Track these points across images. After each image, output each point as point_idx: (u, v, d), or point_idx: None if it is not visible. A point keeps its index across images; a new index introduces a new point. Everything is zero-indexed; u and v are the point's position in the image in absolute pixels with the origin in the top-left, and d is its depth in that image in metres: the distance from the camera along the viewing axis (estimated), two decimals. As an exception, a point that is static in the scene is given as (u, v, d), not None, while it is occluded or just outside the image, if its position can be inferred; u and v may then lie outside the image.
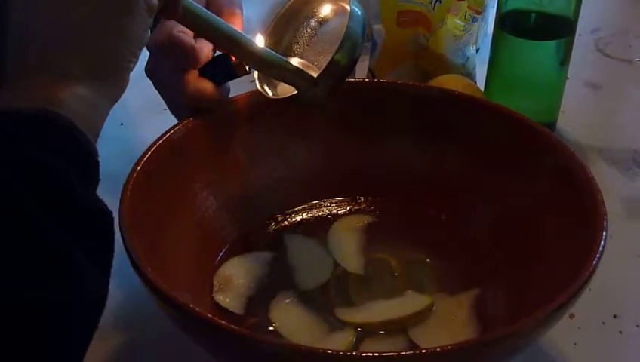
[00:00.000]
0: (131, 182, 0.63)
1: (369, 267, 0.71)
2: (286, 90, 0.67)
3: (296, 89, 0.65)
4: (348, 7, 0.64)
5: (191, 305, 0.53)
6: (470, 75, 0.98)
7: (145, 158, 0.65)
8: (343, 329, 0.64)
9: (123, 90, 0.54)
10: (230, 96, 0.73)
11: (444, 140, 0.75)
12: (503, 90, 0.92)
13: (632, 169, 0.91)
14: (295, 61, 0.67)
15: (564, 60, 0.90)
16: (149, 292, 0.55)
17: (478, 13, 0.97)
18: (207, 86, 0.68)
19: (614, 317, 0.71)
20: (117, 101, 0.54)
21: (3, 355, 0.41)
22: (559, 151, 0.68)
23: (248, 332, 0.52)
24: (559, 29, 0.88)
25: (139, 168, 0.64)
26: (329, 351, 0.50)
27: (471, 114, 0.74)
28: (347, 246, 0.73)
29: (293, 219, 0.76)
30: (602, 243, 0.58)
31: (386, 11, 0.97)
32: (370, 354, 0.50)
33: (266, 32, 0.69)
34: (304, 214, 0.77)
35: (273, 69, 0.65)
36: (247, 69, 0.68)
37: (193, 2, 0.60)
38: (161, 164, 0.66)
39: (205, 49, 0.68)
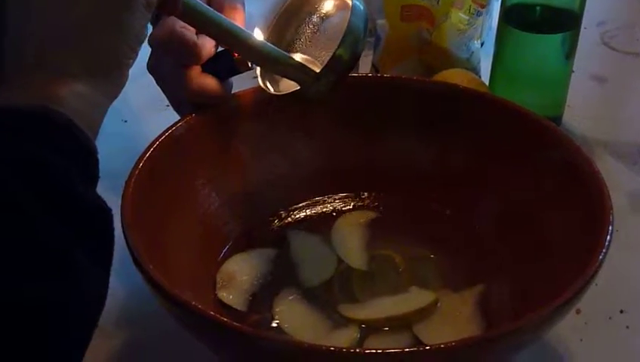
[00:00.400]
0: (133, 179, 0.62)
1: (373, 263, 0.71)
2: (288, 85, 0.67)
3: (299, 84, 0.65)
4: (350, 2, 0.64)
5: (193, 303, 0.52)
6: (475, 69, 0.98)
7: (147, 155, 0.65)
8: (346, 326, 0.64)
9: (122, 87, 0.54)
10: (233, 92, 0.73)
11: (449, 135, 0.75)
12: (507, 84, 0.91)
13: (638, 163, 0.90)
14: (297, 57, 0.67)
15: (569, 54, 0.89)
16: (151, 290, 0.55)
17: (483, 6, 0.96)
18: (209, 82, 0.68)
19: (621, 312, 0.71)
20: (116, 98, 0.54)
21: (1, 354, 0.40)
22: (565, 146, 0.67)
23: (251, 329, 0.52)
24: (564, 22, 0.88)
25: (141, 165, 0.64)
26: (332, 348, 0.50)
27: (476, 108, 0.74)
28: (351, 242, 0.73)
29: (297, 216, 0.76)
30: (608, 237, 0.57)
31: (390, 6, 0.96)
32: (375, 351, 0.50)
33: (268, 27, 0.69)
34: (307, 210, 0.77)
35: (275, 64, 0.65)
36: (249, 64, 0.68)
37: None
38: (163, 160, 0.66)
39: (207, 45, 0.67)
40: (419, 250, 0.72)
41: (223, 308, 0.66)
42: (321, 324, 0.65)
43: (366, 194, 0.78)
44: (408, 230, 0.74)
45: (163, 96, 0.73)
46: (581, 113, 0.98)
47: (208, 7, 0.62)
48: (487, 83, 0.94)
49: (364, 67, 1.01)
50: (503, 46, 0.91)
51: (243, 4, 0.70)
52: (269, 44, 0.65)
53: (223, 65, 0.68)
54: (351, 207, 0.77)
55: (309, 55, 0.67)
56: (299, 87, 0.65)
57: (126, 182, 0.62)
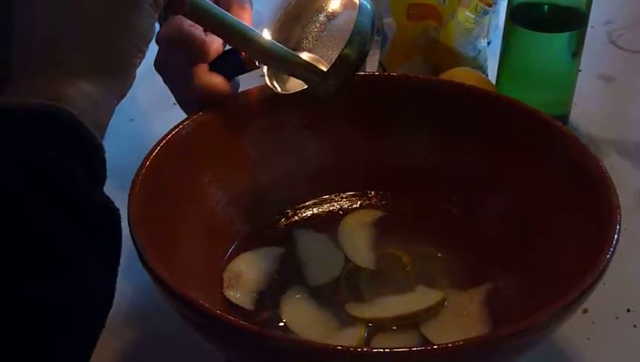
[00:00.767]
0: (140, 178, 0.62)
1: (380, 262, 0.71)
2: (295, 85, 0.67)
3: (306, 83, 0.65)
4: (357, 1, 0.64)
5: (201, 302, 0.52)
6: (481, 68, 0.98)
7: (154, 154, 0.65)
8: (353, 325, 0.64)
9: (130, 86, 0.54)
10: (240, 90, 0.73)
11: (456, 134, 0.75)
12: (514, 83, 0.91)
13: (645, 162, 0.90)
14: (305, 55, 0.66)
15: (576, 52, 0.89)
16: (158, 289, 0.55)
17: (489, 5, 0.96)
18: (217, 80, 0.68)
19: (628, 311, 0.71)
20: (124, 97, 0.54)
21: (4, 354, 0.40)
22: (572, 145, 0.67)
23: (259, 328, 0.52)
24: (571, 20, 0.88)
25: (148, 163, 0.64)
26: (340, 347, 0.49)
27: (483, 107, 0.74)
28: (358, 241, 0.73)
29: (304, 214, 0.76)
30: (616, 236, 0.57)
31: (397, 4, 0.96)
32: (382, 350, 0.50)
33: (275, 26, 0.68)
34: (314, 209, 0.77)
35: (283, 63, 0.65)
36: (256, 63, 0.68)
37: None
38: (170, 159, 0.66)
39: (215, 43, 0.67)
40: (426, 248, 0.72)
41: (229, 306, 0.66)
42: (328, 323, 0.65)
43: (373, 192, 0.78)
44: (415, 229, 0.74)
45: (169, 94, 0.73)
46: (588, 112, 0.98)
47: (216, 5, 0.62)
48: (493, 81, 0.93)
49: (371, 66, 1.01)
50: (510, 45, 0.91)
51: (251, 3, 0.70)
52: (276, 42, 0.65)
53: (231, 64, 0.68)
54: (358, 205, 0.77)
55: (316, 54, 0.67)
56: (306, 87, 0.65)
57: (133, 181, 0.62)
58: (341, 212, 0.76)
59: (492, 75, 0.96)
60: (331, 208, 0.77)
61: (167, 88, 0.73)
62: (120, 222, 0.49)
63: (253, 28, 0.64)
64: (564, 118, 0.93)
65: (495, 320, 0.64)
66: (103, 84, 0.51)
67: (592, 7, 0.88)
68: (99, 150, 0.49)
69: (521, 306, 0.64)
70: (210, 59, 0.68)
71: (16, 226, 0.42)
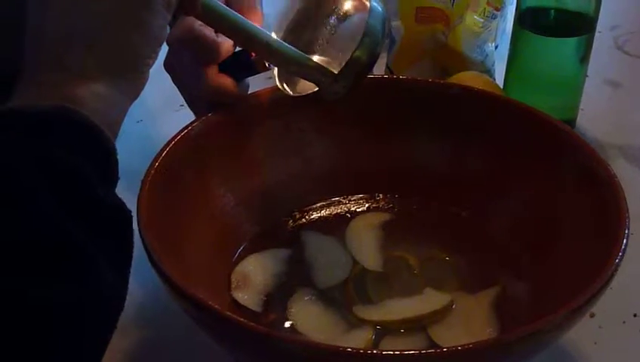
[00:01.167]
0: (149, 179, 0.62)
1: (388, 265, 0.71)
2: (305, 87, 0.67)
3: (317, 85, 0.65)
4: (368, 4, 0.64)
5: (210, 303, 0.52)
6: (489, 72, 0.98)
7: (163, 155, 0.65)
8: (361, 328, 0.64)
9: (142, 87, 0.54)
10: (249, 92, 0.73)
11: (464, 137, 0.75)
12: (522, 88, 0.91)
13: (653, 167, 0.90)
14: (315, 58, 0.66)
15: (584, 57, 0.89)
16: (168, 290, 0.55)
17: (497, 9, 0.97)
18: (227, 81, 0.68)
19: (635, 315, 0.71)
20: (136, 98, 0.54)
21: (17, 354, 0.40)
22: (581, 149, 0.67)
23: (269, 330, 0.52)
24: (579, 25, 0.88)
25: (157, 165, 0.64)
26: (350, 349, 0.49)
27: (492, 111, 0.74)
28: (366, 243, 0.73)
29: (311, 217, 0.76)
30: (625, 241, 0.57)
31: (405, 7, 0.96)
32: (392, 353, 0.50)
33: (285, 28, 0.68)
34: (322, 211, 0.77)
35: (293, 65, 0.65)
36: (267, 65, 0.68)
37: None
38: (179, 160, 0.66)
39: (226, 44, 0.67)
40: (434, 251, 0.72)
41: (237, 308, 0.66)
42: (335, 325, 0.65)
43: (381, 195, 0.78)
44: (423, 232, 0.74)
45: (177, 96, 0.73)
46: (594, 117, 0.98)
47: (227, 7, 0.62)
48: (501, 86, 0.93)
49: (379, 69, 1.01)
50: (518, 49, 0.91)
51: (261, 5, 0.70)
52: (287, 44, 0.65)
53: (241, 65, 0.68)
54: (365, 208, 0.77)
55: (326, 56, 0.67)
56: (316, 89, 0.65)
57: (142, 182, 0.62)
58: (349, 214, 0.76)
59: (499, 80, 0.96)
60: (339, 210, 0.77)
61: (175, 90, 0.73)
62: (132, 223, 0.49)
63: (264, 30, 0.64)
64: (571, 123, 0.93)
65: (503, 324, 0.64)
66: (115, 85, 0.51)
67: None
68: (112, 152, 0.49)
69: (529, 310, 0.64)
70: (221, 59, 0.68)
71: (30, 227, 0.42)
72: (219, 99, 0.69)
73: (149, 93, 0.56)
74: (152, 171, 0.63)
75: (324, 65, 0.65)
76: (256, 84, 0.73)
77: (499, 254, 0.70)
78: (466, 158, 0.75)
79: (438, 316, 0.65)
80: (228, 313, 0.53)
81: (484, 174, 0.74)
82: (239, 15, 0.63)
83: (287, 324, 0.65)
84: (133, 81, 0.52)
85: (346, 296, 0.68)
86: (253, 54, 0.67)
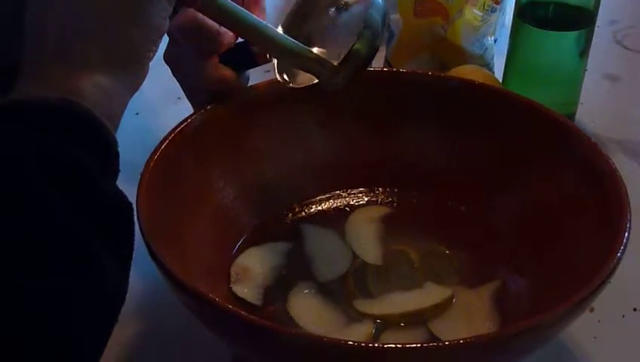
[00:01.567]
0: (149, 171, 0.62)
1: (388, 258, 0.70)
2: (305, 79, 0.66)
3: (317, 77, 0.64)
4: None
5: (210, 296, 0.52)
6: (488, 66, 0.98)
7: (162, 147, 0.65)
8: (361, 321, 0.64)
9: (143, 80, 0.53)
10: (249, 84, 0.72)
11: (465, 131, 0.75)
12: (521, 81, 0.91)
13: (652, 162, 0.90)
14: (315, 50, 0.66)
15: (583, 51, 0.89)
16: (167, 283, 0.55)
17: (497, 3, 0.96)
18: (227, 73, 0.68)
19: (634, 310, 0.71)
20: (137, 90, 0.54)
21: (24, 347, 0.40)
22: (582, 143, 0.67)
23: (270, 323, 0.52)
24: (579, 19, 0.87)
25: (156, 157, 0.64)
26: (351, 343, 0.49)
27: (493, 105, 0.73)
28: (365, 237, 0.72)
29: (311, 210, 0.76)
30: (626, 235, 0.57)
31: (404, 1, 0.96)
32: (393, 346, 0.49)
33: (286, 20, 0.68)
34: (322, 205, 0.76)
35: (293, 57, 0.64)
36: (267, 57, 0.67)
37: None
38: (178, 152, 0.66)
39: (228, 34, 0.67)
40: (434, 245, 0.71)
41: (236, 301, 0.66)
42: (336, 319, 0.64)
43: (380, 189, 0.78)
44: (423, 226, 0.74)
45: (175, 88, 0.73)
46: (593, 111, 0.98)
47: None
48: (500, 79, 0.93)
49: (377, 62, 1.00)
50: (518, 43, 0.90)
51: (262, -3, 0.70)
52: (287, 36, 0.64)
53: (242, 57, 0.68)
54: (365, 201, 0.77)
55: (326, 48, 0.66)
56: (316, 81, 0.65)
57: (141, 175, 0.62)
58: (348, 208, 0.76)
59: (498, 74, 0.96)
60: (339, 204, 0.77)
61: (173, 82, 0.73)
62: (133, 216, 0.49)
63: (264, 21, 0.64)
64: (571, 117, 0.93)
65: (503, 318, 0.64)
66: (116, 77, 0.50)
67: (598, 6, 0.88)
68: (112, 144, 0.49)
69: (530, 304, 0.64)
70: (223, 50, 0.67)
71: (35, 222, 0.42)
72: (219, 90, 0.69)
73: (147, 85, 0.56)
74: (152, 163, 0.63)
75: (324, 57, 0.64)
76: (255, 76, 0.73)
77: (499, 248, 0.70)
78: (466, 152, 0.75)
79: (438, 310, 0.65)
80: (228, 306, 0.52)
81: (484, 168, 0.74)
82: (240, 7, 0.62)
83: (287, 318, 0.64)
84: (134, 73, 0.52)
85: (346, 290, 0.67)
86: (254, 46, 0.67)
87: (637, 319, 0.70)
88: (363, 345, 0.51)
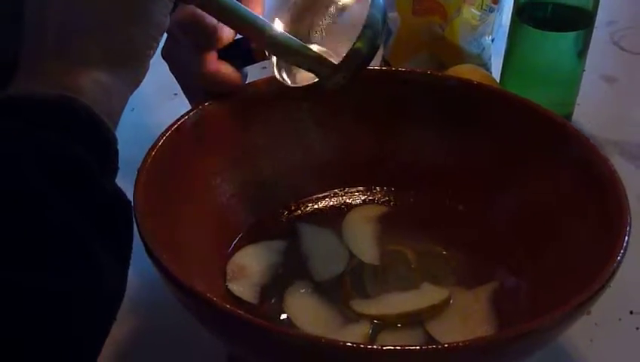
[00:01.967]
0: (146, 168, 0.62)
1: (385, 258, 0.70)
2: (305, 77, 0.66)
3: (317, 76, 0.64)
4: None
5: (207, 294, 0.52)
6: (485, 66, 0.98)
7: (159, 143, 0.64)
8: (358, 322, 0.64)
9: (143, 77, 0.53)
10: (247, 81, 0.72)
11: (463, 131, 0.74)
12: (519, 81, 0.91)
13: (648, 164, 0.90)
14: (314, 48, 0.66)
15: (581, 52, 0.89)
16: (164, 280, 0.54)
17: (495, 2, 0.96)
18: (226, 69, 0.67)
19: (631, 313, 0.71)
20: (137, 87, 0.53)
21: (23, 346, 0.40)
22: (581, 144, 0.67)
23: (267, 323, 0.51)
24: (578, 20, 0.87)
25: (153, 153, 0.63)
26: (349, 344, 0.49)
27: (491, 104, 0.73)
28: (362, 236, 0.72)
29: (308, 209, 0.75)
30: (626, 238, 0.57)
31: (402, -1, 0.96)
32: (391, 348, 0.49)
33: (285, 18, 0.68)
34: (318, 203, 0.76)
35: (293, 55, 0.64)
36: (266, 54, 0.67)
37: None
38: (175, 149, 0.65)
39: (227, 30, 0.66)
40: (431, 246, 0.71)
41: (232, 299, 0.65)
42: (332, 319, 0.64)
43: (378, 188, 0.77)
44: (420, 226, 0.73)
45: (171, 84, 0.73)
46: (590, 112, 0.98)
47: None
48: (497, 80, 0.93)
49: (375, 61, 0.99)
50: (515, 43, 0.90)
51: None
52: (287, 34, 0.64)
53: (240, 54, 0.68)
54: (362, 200, 0.76)
55: (325, 47, 0.66)
56: (315, 79, 0.65)
57: (138, 171, 0.61)
58: (344, 207, 0.76)
59: (496, 73, 0.96)
60: (336, 203, 0.76)
61: (169, 78, 0.72)
62: (132, 214, 0.49)
63: (264, 19, 0.63)
64: (568, 118, 0.93)
65: (500, 320, 0.64)
66: (116, 74, 0.50)
67: (596, 7, 0.88)
68: (112, 142, 0.49)
69: (527, 306, 0.64)
70: (221, 46, 0.67)
71: (32, 220, 0.42)
72: (217, 86, 0.68)
73: (144, 81, 0.56)
74: (149, 160, 0.62)
75: (325, 56, 0.64)
76: (253, 73, 0.73)
77: (497, 249, 0.70)
78: (464, 151, 0.75)
79: (435, 311, 0.64)
80: (224, 304, 0.52)
81: (482, 168, 0.73)
82: (239, 4, 0.62)
83: (283, 317, 0.64)
84: (134, 70, 0.52)
85: (342, 290, 0.67)
86: (253, 43, 0.67)
87: (633, 322, 0.70)
88: (361, 346, 0.50)
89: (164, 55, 0.70)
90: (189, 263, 0.61)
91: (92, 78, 0.49)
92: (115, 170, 0.49)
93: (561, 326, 0.54)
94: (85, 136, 0.46)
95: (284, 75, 0.68)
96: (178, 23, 0.66)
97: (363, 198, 0.77)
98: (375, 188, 0.77)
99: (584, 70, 0.92)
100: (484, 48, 0.97)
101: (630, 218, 0.59)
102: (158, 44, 0.53)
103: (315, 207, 0.76)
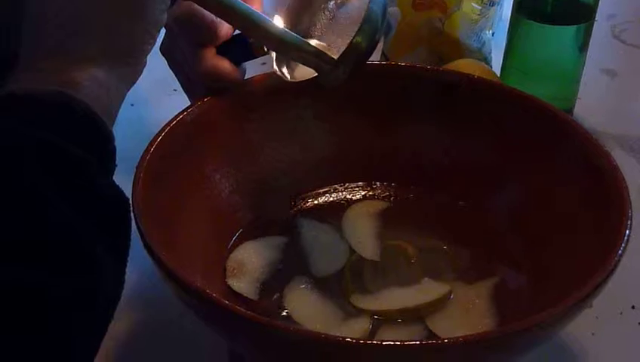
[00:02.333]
0: (145, 164, 0.61)
1: (385, 254, 0.70)
2: (304, 72, 0.65)
3: (316, 71, 0.64)
4: None
5: (207, 291, 0.52)
6: (485, 60, 0.97)
7: (159, 139, 0.64)
8: (358, 317, 0.63)
9: (140, 73, 0.53)
10: (245, 77, 0.72)
11: (463, 126, 0.74)
12: (519, 76, 0.91)
13: (649, 157, 0.90)
14: (314, 43, 0.66)
15: (582, 46, 0.89)
16: (163, 277, 0.54)
17: (495, -4, 0.96)
18: (224, 64, 0.67)
19: (632, 307, 0.71)
20: (134, 84, 0.53)
21: (22, 346, 0.40)
22: (582, 139, 0.66)
23: (267, 319, 0.51)
24: (579, 14, 0.87)
25: (152, 149, 0.63)
26: (348, 339, 0.49)
27: (492, 99, 0.73)
28: (362, 232, 0.72)
29: (307, 204, 0.75)
30: (627, 232, 0.56)
31: (402, -7, 0.96)
32: (391, 343, 0.49)
33: (284, 13, 0.67)
34: (318, 199, 0.76)
35: (292, 50, 0.64)
36: (265, 49, 0.67)
37: None
38: (174, 145, 0.65)
39: (225, 25, 0.66)
40: (431, 241, 0.71)
41: (232, 295, 0.65)
42: (332, 315, 0.64)
43: (378, 183, 0.77)
44: (420, 221, 0.73)
45: (170, 80, 0.73)
46: (591, 106, 0.97)
47: None
48: (497, 74, 0.93)
49: (375, 55, 0.98)
50: (516, 37, 0.90)
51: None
52: (286, 29, 0.64)
53: (239, 50, 0.68)
54: (362, 196, 0.76)
55: (325, 42, 0.66)
56: (315, 75, 0.64)
57: (137, 167, 0.61)
58: (344, 202, 0.76)
59: (496, 68, 0.95)
60: (336, 198, 0.76)
61: (168, 74, 0.72)
62: (130, 212, 0.48)
63: (263, 14, 0.63)
64: (569, 112, 0.93)
65: (501, 315, 0.63)
66: (114, 71, 0.50)
67: (595, 0, 0.87)
68: (109, 139, 0.49)
69: (528, 301, 0.63)
70: (220, 41, 0.67)
71: (30, 218, 0.42)
72: (216, 82, 0.68)
73: (143, 77, 0.56)
74: (148, 156, 0.62)
75: (324, 51, 0.64)
76: (252, 69, 0.73)
77: (497, 244, 0.70)
78: (464, 147, 0.74)
79: (435, 306, 0.64)
80: (224, 301, 0.52)
81: (483, 163, 0.73)
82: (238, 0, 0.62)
83: (283, 313, 0.64)
84: (132, 66, 0.52)
85: (342, 285, 0.67)
86: (251, 38, 0.67)
87: (635, 317, 0.70)
88: (361, 341, 0.50)
89: (163, 51, 0.70)
90: (189, 260, 0.61)
91: (89, 74, 0.48)
92: (112, 168, 0.49)
93: (563, 321, 0.53)
94: (83, 133, 0.46)
95: (284, 71, 0.67)
96: (176, 19, 0.66)
97: (363, 194, 0.76)
98: (375, 184, 0.77)
99: (585, 64, 0.92)
100: (484, 42, 0.97)
101: (631, 211, 0.59)
102: (155, 40, 0.53)
103: (315, 202, 0.76)
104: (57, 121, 0.46)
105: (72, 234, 0.43)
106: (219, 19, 0.66)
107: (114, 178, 0.49)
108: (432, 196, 0.75)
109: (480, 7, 0.94)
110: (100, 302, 0.45)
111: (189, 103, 0.69)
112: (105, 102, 0.49)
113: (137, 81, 0.55)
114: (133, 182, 0.59)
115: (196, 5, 0.64)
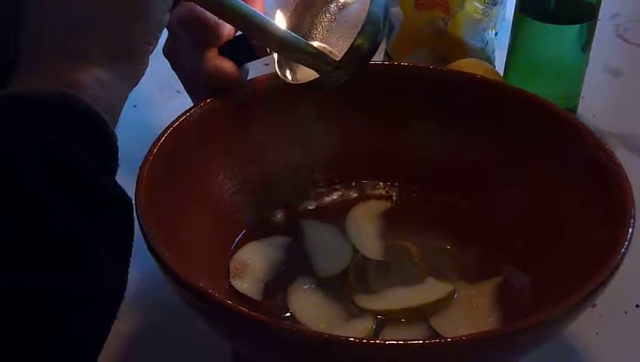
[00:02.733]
0: (148, 165, 0.61)
1: (389, 253, 0.70)
2: (306, 74, 0.65)
3: (318, 73, 0.64)
4: None
5: (210, 291, 0.52)
6: (489, 60, 0.97)
7: (162, 140, 0.64)
8: (362, 317, 0.63)
9: (142, 74, 0.53)
10: (248, 78, 0.72)
11: (467, 126, 0.74)
12: (522, 75, 0.91)
13: (652, 156, 0.90)
14: (316, 45, 0.66)
15: (585, 45, 0.88)
16: (167, 278, 0.54)
17: (498, -4, 0.96)
18: (227, 65, 0.67)
19: (636, 306, 0.71)
20: (136, 85, 0.53)
21: (23, 347, 0.40)
22: (586, 138, 0.66)
23: (271, 319, 0.51)
24: (582, 13, 0.87)
25: (155, 150, 0.63)
26: (352, 339, 0.49)
27: (496, 99, 0.73)
28: (366, 232, 0.72)
29: (311, 204, 0.75)
30: (630, 231, 0.56)
31: (405, -6, 0.96)
32: (395, 342, 0.49)
33: (286, 15, 0.67)
34: (321, 199, 0.76)
35: (294, 52, 0.64)
36: (267, 50, 0.67)
37: None
38: (177, 146, 0.65)
39: (227, 26, 0.66)
40: (435, 240, 0.71)
41: (236, 296, 0.65)
42: (336, 315, 0.64)
43: (381, 183, 0.77)
44: (424, 220, 0.73)
45: (173, 81, 0.72)
46: (595, 106, 0.97)
47: None
48: (501, 74, 0.93)
49: (377, 55, 0.98)
50: (519, 36, 0.90)
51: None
52: (288, 31, 0.64)
53: (241, 50, 0.68)
54: (365, 196, 0.76)
55: (326, 44, 0.66)
56: (317, 76, 0.64)
57: (140, 168, 0.61)
58: (348, 203, 0.75)
59: (499, 67, 0.95)
60: (339, 198, 0.76)
61: (171, 75, 0.72)
62: (133, 213, 0.48)
63: (265, 16, 0.63)
64: (572, 112, 0.92)
65: (505, 314, 0.63)
66: (116, 71, 0.50)
67: (599, 0, 0.87)
68: (112, 139, 0.49)
69: (532, 300, 0.63)
70: (222, 42, 0.67)
71: (32, 219, 0.42)
72: (218, 83, 0.68)
73: (146, 78, 0.56)
74: (151, 157, 0.62)
75: (326, 53, 0.64)
76: (254, 69, 0.73)
77: (500, 244, 0.69)
78: (467, 146, 0.74)
79: (439, 306, 0.64)
80: (228, 302, 0.52)
81: (486, 162, 0.73)
82: (240, 0, 0.62)
83: (287, 313, 0.64)
84: (133, 66, 0.52)
85: (346, 285, 0.67)
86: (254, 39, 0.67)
87: (639, 315, 0.70)
88: (364, 341, 0.50)
89: (166, 53, 0.70)
90: (192, 261, 0.61)
91: (92, 74, 0.48)
92: (115, 168, 0.49)
93: (566, 320, 0.53)
94: (85, 134, 0.46)
95: (286, 72, 0.67)
96: (178, 20, 0.66)
97: (367, 194, 0.76)
98: (378, 184, 0.77)
99: (588, 63, 0.92)
100: (487, 42, 0.96)
101: (635, 210, 0.59)
102: (157, 41, 0.53)
103: (319, 202, 0.76)
104: (58, 120, 0.46)
105: (73, 235, 0.43)
106: (221, 21, 0.66)
107: (117, 179, 0.49)
108: (435, 196, 0.75)
109: (483, 7, 0.94)
110: (102, 302, 0.45)
111: (192, 105, 0.69)
112: (107, 102, 0.49)
113: (140, 83, 0.55)
114: (137, 183, 0.59)
115: (198, 7, 0.64)
